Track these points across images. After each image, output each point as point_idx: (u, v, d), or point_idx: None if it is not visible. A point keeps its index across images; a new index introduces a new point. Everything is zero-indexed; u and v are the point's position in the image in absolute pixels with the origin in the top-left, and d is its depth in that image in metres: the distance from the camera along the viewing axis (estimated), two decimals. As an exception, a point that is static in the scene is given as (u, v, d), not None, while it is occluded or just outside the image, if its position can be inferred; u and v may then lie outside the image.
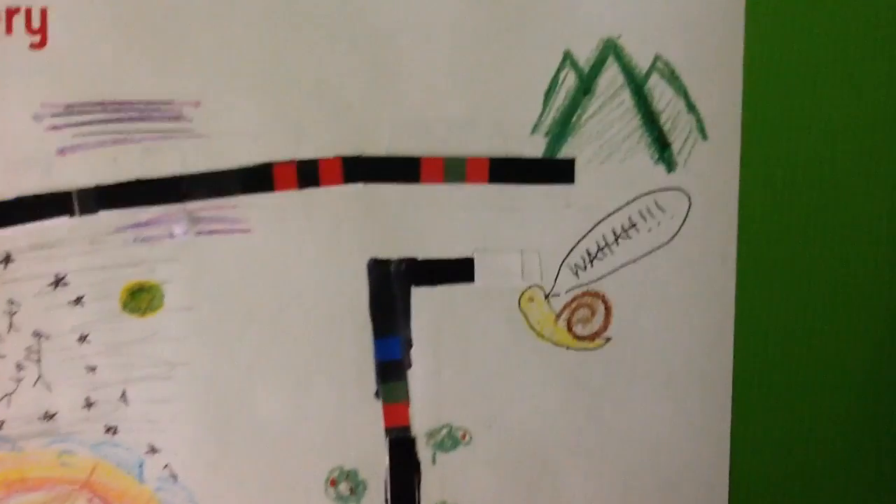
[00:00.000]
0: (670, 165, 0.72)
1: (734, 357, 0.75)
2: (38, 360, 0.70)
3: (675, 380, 0.74)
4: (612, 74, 0.71)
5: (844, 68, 0.73)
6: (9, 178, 0.68)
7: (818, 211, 0.74)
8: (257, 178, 0.70)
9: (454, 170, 0.71)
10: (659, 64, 0.71)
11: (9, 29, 0.66)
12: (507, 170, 0.71)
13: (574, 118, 0.71)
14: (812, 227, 0.75)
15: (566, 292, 0.73)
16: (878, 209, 0.75)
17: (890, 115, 0.74)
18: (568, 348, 0.73)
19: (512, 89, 0.70)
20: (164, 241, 0.70)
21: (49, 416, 0.71)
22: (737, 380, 0.75)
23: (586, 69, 0.71)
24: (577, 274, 0.73)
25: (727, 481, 0.77)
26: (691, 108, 0.72)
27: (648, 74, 0.71)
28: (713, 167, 0.73)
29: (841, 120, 0.73)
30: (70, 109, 0.68)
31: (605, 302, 0.73)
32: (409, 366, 0.72)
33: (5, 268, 0.69)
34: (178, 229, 0.70)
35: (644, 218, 0.73)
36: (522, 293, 0.72)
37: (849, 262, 0.75)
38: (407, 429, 0.73)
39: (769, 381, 0.76)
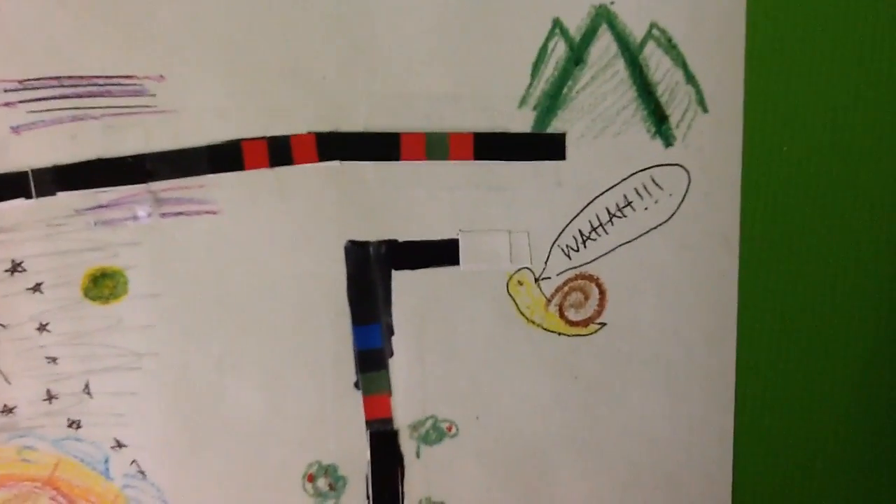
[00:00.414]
0: (668, 140, 0.68)
1: (737, 345, 0.71)
2: (-5, 352, 0.66)
3: (674, 369, 0.70)
4: (604, 43, 0.67)
5: (852, 36, 0.68)
6: (-39, 159, 0.63)
7: (825, 187, 0.70)
8: (226, 156, 0.66)
9: (437, 146, 0.66)
10: (655, 32, 0.67)
11: (-44, 1, 0.61)
12: (493, 146, 0.67)
13: (564, 90, 0.67)
14: (819, 205, 0.70)
15: (557, 275, 0.69)
16: (888, 186, 0.70)
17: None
18: (560, 335, 0.69)
19: (498, 60, 0.66)
20: (128, 223, 0.66)
21: (7, 410, 0.68)
22: (740, 369, 0.71)
23: (577, 38, 0.66)
24: (569, 256, 0.68)
25: (730, 476, 0.73)
26: (690, 78, 0.67)
27: (644, 43, 0.67)
28: (714, 141, 0.68)
29: (848, 92, 0.69)
30: (25, 85, 0.65)
31: (599, 285, 0.69)
32: (391, 354, 0.68)
33: (-42, 254, 0.65)
34: (141, 211, 0.66)
35: (640, 196, 0.68)
36: (511, 277, 0.68)
37: (858, 242, 0.71)
38: (389, 421, 0.69)
39: (774, 370, 0.72)
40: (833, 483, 0.75)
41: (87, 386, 0.68)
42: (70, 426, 0.68)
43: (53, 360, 0.67)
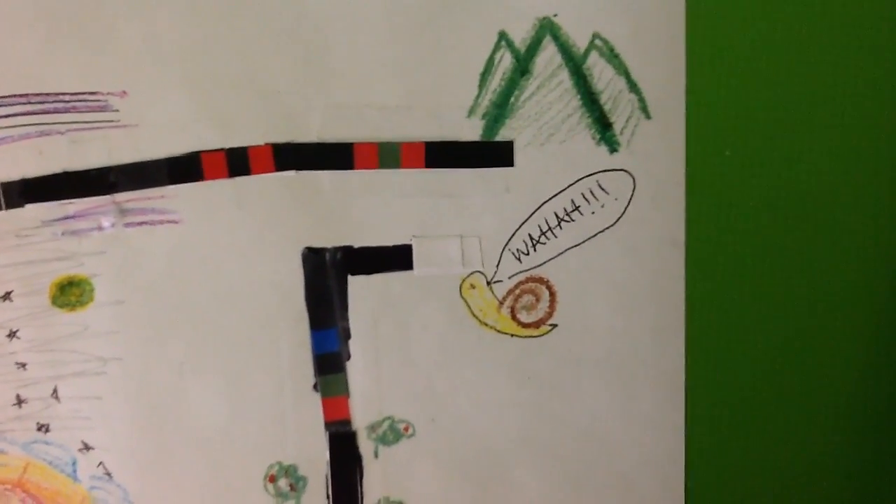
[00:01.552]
0: (613, 146, 0.70)
1: (686, 344, 0.72)
2: (-35, 359, 0.68)
3: (625, 369, 0.72)
4: (549, 54, 0.69)
5: (792, 41, 0.70)
6: (-70, 173, 0.66)
7: (768, 189, 0.72)
8: (186, 168, 0.68)
9: (389, 155, 0.69)
10: (598, 42, 0.69)
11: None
12: (443, 154, 0.69)
13: (511, 100, 0.69)
14: (763, 206, 0.72)
15: (509, 278, 0.71)
16: (830, 187, 0.72)
17: (838, 91, 0.71)
18: (512, 336, 0.71)
19: (446, 72, 0.68)
20: (93, 233, 0.69)
21: (-24, 416, 0.69)
22: (689, 367, 0.73)
23: (522, 49, 0.69)
24: (519, 259, 0.70)
25: (683, 475, 0.74)
26: (633, 86, 0.70)
27: (587, 53, 0.69)
28: (658, 147, 0.70)
29: (789, 95, 0.71)
30: None
31: (549, 288, 0.71)
32: (348, 357, 0.71)
33: (-69, 264, 0.67)
34: (106, 221, 0.68)
35: (587, 200, 0.70)
36: (463, 280, 0.70)
37: (800, 240, 0.72)
38: (347, 422, 0.71)
39: (723, 367, 0.74)
40: (786, 479, 0.76)
41: (55, 391, 0.70)
42: (39, 430, 0.70)
43: (23, 365, 0.70)
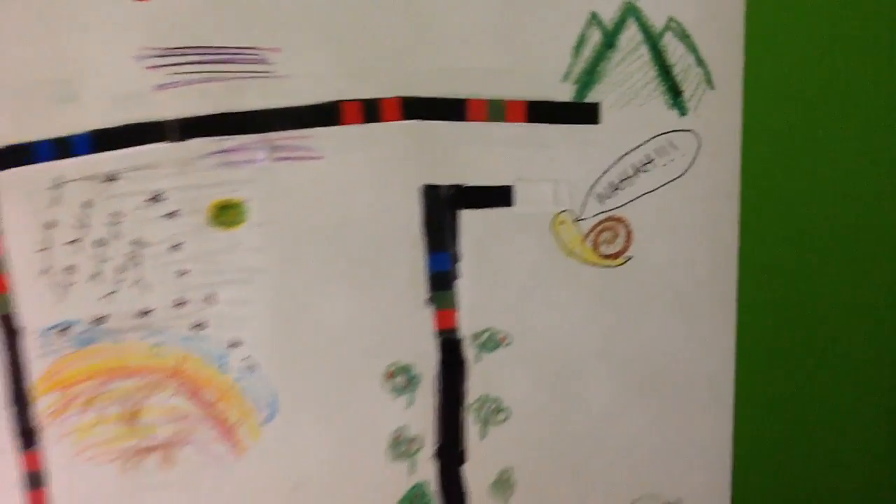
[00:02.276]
0: (682, 110, 0.84)
1: (738, 277, 0.86)
2: (138, 265, 0.82)
3: (685, 296, 0.86)
4: (632, 32, 0.83)
5: (840, 22, 0.85)
6: (115, 109, 0.78)
7: (817, 155, 0.86)
8: (327, 114, 0.81)
9: (496, 110, 0.83)
10: (672, 24, 0.83)
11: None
12: (541, 111, 0.83)
13: (599, 68, 0.83)
14: (811, 169, 0.87)
15: (593, 217, 0.84)
16: (872, 153, 0.87)
17: (886, 64, 0.86)
18: (593, 265, 0.85)
19: (545, 44, 0.82)
20: (247, 165, 0.82)
21: (145, 313, 0.82)
22: (741, 297, 0.86)
23: (610, 27, 0.83)
24: (602, 201, 0.84)
25: (732, 387, 0.88)
26: (700, 62, 0.84)
27: (663, 33, 0.83)
28: (719, 113, 0.84)
29: (836, 70, 0.85)
30: (167, 52, 0.78)
31: (626, 226, 0.85)
32: (457, 277, 0.84)
33: (111, 185, 0.81)
34: (258, 156, 0.82)
35: (660, 155, 0.85)
36: (554, 217, 0.84)
37: (844, 199, 0.87)
38: (455, 331, 0.84)
39: (771, 300, 0.87)
40: (828, 400, 0.91)
41: (210, 295, 0.84)
42: (195, 327, 0.84)
43: (184, 273, 0.83)
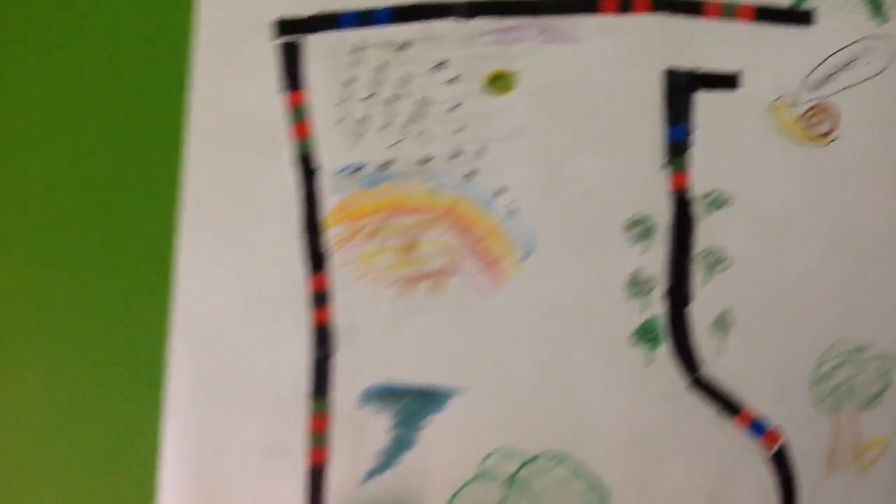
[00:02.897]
0: (882, 19, 1.01)
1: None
2: (422, 120, 0.98)
3: (883, 174, 1.01)
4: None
5: None
6: (410, -11, 0.96)
7: None
8: (588, 3, 0.99)
9: (728, 11, 1.00)
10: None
11: None
12: (765, 14, 1.00)
13: (814, -15, 1.00)
14: None
15: (805, 103, 1.00)
16: None
17: None
18: (804, 143, 1.00)
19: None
20: (520, 43, 0.99)
21: (425, 161, 0.98)
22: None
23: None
24: (813, 90, 1.01)
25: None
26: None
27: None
28: (912, 24, 1.01)
29: None
30: None
31: (833, 112, 1.00)
32: (690, 146, 1.00)
33: (403, 52, 0.98)
34: (530, 35, 0.99)
35: (863, 55, 1.01)
36: (773, 101, 1.00)
37: None
38: (686, 191, 0.99)
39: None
40: None
41: (482, 149, 1.00)
42: (467, 175, 0.99)
43: (461, 129, 0.99)
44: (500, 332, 0.95)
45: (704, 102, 0.97)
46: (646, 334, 0.95)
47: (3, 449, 0.95)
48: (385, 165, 0.95)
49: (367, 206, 0.95)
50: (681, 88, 0.97)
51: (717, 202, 0.97)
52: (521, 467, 0.95)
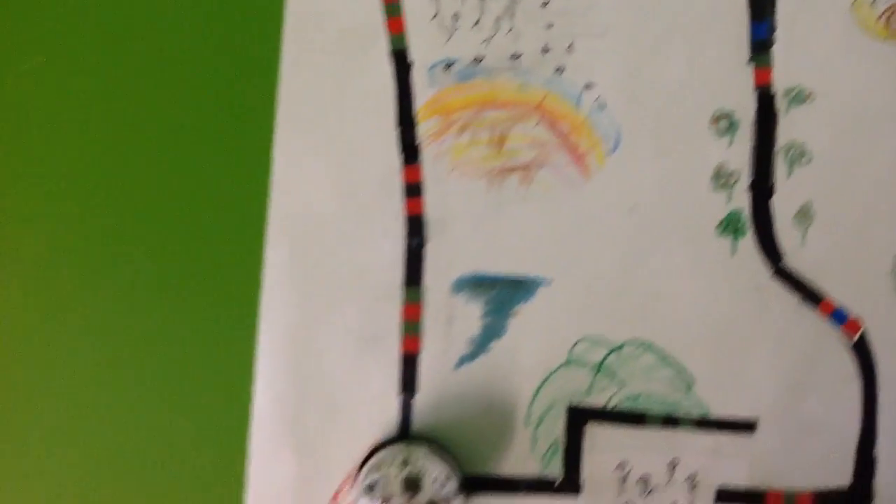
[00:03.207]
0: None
1: None
2: (512, 17, 1.01)
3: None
4: None
5: None
6: None
7: None
8: None
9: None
10: None
11: None
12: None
13: None
14: None
15: (884, 2, 1.03)
16: None
17: None
18: (884, 41, 1.03)
19: None
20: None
21: (515, 57, 1.01)
22: None
23: None
24: (893, -9, 1.03)
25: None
26: None
27: None
28: None
29: None
30: None
31: (913, 11, 1.03)
32: (773, 43, 1.02)
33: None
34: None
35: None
36: (854, 1, 1.02)
37: None
38: (770, 86, 1.02)
39: None
40: None
41: (571, 45, 1.02)
42: (556, 71, 1.02)
43: (550, 26, 1.02)
44: (587, 223, 0.98)
45: (788, 2, 0.98)
46: (730, 225, 0.98)
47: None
48: (476, 61, 0.98)
49: (459, 100, 0.98)
50: (765, -12, 0.99)
51: (799, 97, 0.99)
52: (608, 355, 0.98)
